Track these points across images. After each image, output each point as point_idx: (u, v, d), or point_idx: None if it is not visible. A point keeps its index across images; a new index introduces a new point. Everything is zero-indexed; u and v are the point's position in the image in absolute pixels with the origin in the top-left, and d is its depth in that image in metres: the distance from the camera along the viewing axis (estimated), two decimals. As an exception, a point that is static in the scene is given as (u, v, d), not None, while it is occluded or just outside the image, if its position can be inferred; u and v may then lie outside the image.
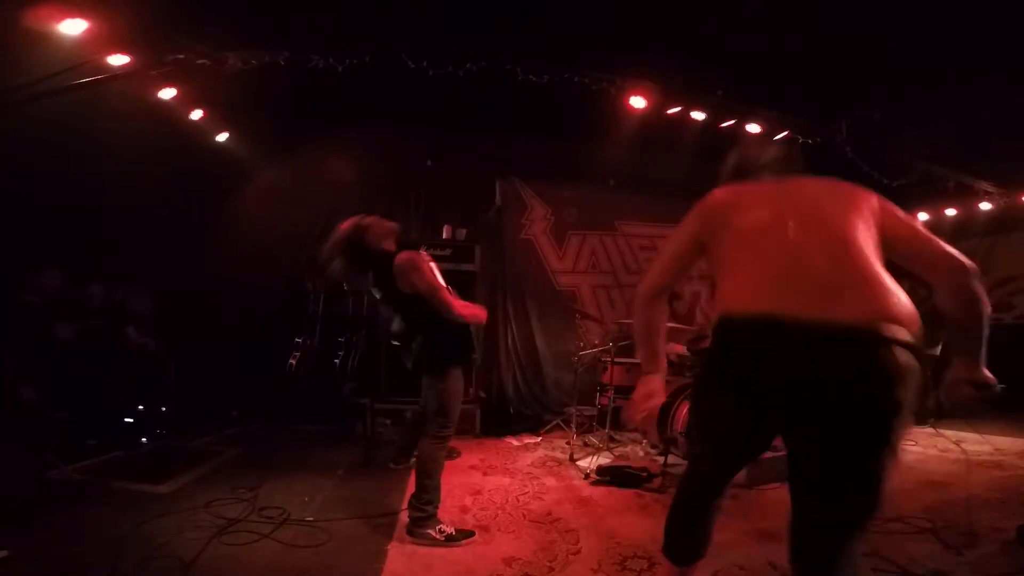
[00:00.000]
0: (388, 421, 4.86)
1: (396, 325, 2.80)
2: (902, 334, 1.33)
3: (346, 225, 2.78)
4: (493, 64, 4.18)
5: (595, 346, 4.80)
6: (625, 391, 4.53)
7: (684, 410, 3.78)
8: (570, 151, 5.78)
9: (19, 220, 4.01)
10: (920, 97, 4.47)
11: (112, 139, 4.07)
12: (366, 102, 4.78)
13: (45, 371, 3.90)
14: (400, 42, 4.08)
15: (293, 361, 4.91)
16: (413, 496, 2.74)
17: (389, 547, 2.65)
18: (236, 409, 5.07)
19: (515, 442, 4.71)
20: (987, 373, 1.46)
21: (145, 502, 3.04)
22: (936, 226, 6.65)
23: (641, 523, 2.98)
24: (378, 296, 2.82)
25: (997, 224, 6.59)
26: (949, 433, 4.91)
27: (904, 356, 1.31)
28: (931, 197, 6.29)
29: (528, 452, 4.43)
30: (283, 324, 5.09)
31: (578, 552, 2.61)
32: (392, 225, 2.84)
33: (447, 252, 5.01)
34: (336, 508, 3.10)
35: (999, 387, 1.47)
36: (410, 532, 2.70)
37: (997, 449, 4.32)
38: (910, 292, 1.43)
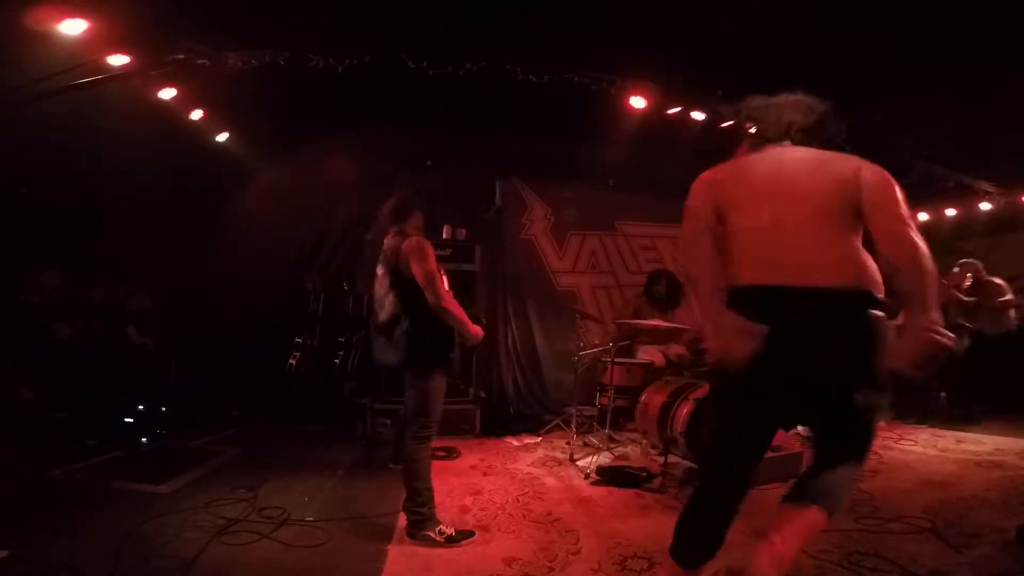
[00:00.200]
0: (388, 421, 4.86)
1: (384, 314, 2.78)
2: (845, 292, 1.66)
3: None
4: (493, 64, 4.17)
5: (595, 346, 4.80)
6: (625, 391, 4.54)
7: (684, 410, 3.78)
8: (570, 151, 5.78)
9: (19, 220, 4.01)
10: (920, 97, 4.47)
11: (112, 139, 4.07)
12: (366, 102, 4.77)
13: (45, 371, 3.90)
14: (400, 42, 4.07)
15: (293, 361, 4.91)
16: (406, 499, 2.74)
17: (389, 547, 2.66)
18: (236, 409, 5.07)
19: (515, 442, 4.71)
20: (938, 319, 1.57)
21: (145, 502, 3.05)
22: (936, 226, 6.66)
23: (641, 523, 2.98)
24: (379, 273, 2.83)
25: (997, 224, 6.60)
26: (949, 433, 4.92)
27: (845, 306, 1.64)
28: (931, 197, 6.29)
29: (528, 452, 4.43)
30: (283, 324, 5.10)
31: (578, 552, 2.61)
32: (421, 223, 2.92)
33: (447, 252, 5.01)
34: (336, 508, 3.11)
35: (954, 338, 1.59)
36: (410, 535, 2.70)
37: (997, 449, 4.32)
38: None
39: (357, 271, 5.47)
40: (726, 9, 3.57)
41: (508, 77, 4.21)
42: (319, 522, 2.89)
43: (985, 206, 6.44)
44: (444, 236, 5.27)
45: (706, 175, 2.02)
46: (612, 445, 4.41)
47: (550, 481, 3.69)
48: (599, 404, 4.56)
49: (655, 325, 4.71)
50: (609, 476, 3.64)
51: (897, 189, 1.70)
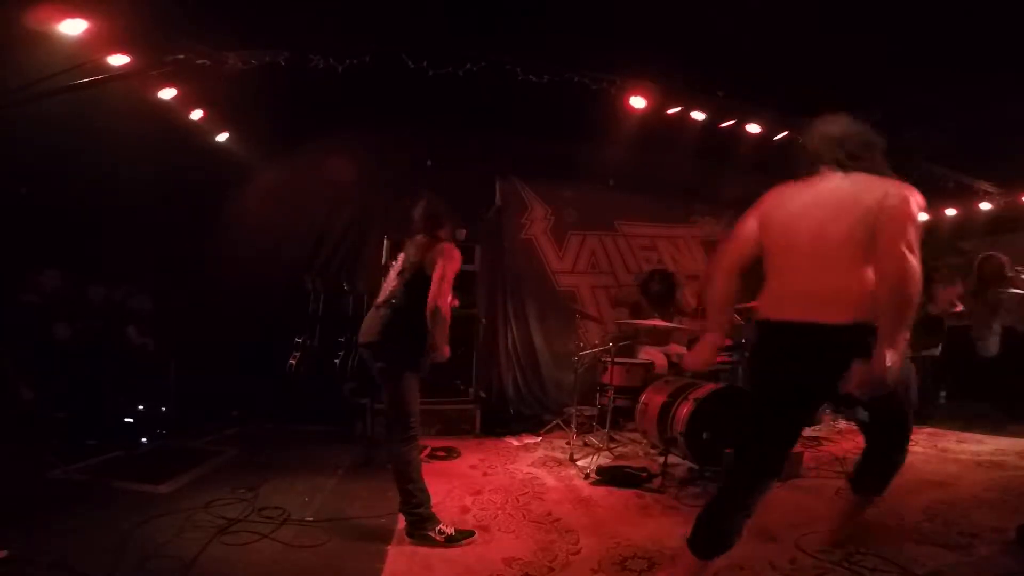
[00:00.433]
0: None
1: (383, 295, 2.88)
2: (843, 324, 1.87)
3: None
4: (493, 64, 4.18)
5: (595, 346, 4.80)
6: (625, 391, 4.54)
7: (684, 410, 3.78)
8: (570, 151, 5.78)
9: (19, 220, 4.01)
10: (920, 97, 4.47)
11: (112, 139, 4.07)
12: (366, 102, 4.77)
13: (45, 371, 3.90)
14: (400, 42, 4.07)
15: (293, 361, 4.91)
16: (401, 502, 2.74)
17: (389, 547, 2.66)
18: (236, 409, 5.07)
19: (515, 442, 4.71)
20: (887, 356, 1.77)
21: (145, 502, 3.05)
22: (936, 226, 6.66)
23: (641, 523, 2.98)
24: (395, 263, 2.92)
25: (997, 224, 6.60)
26: (949, 433, 4.92)
27: (849, 337, 1.85)
28: (931, 197, 6.26)
29: (528, 452, 4.43)
30: (283, 324, 5.10)
31: (578, 552, 2.61)
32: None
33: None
34: (336, 508, 3.11)
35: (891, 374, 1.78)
36: (409, 535, 2.70)
37: (997, 449, 4.32)
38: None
39: (357, 271, 5.48)
40: (726, 9, 3.57)
41: (508, 77, 4.21)
42: (319, 522, 2.89)
43: (985, 206, 6.44)
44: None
45: (762, 200, 2.23)
46: (612, 445, 4.41)
47: (550, 481, 3.69)
48: (599, 404, 4.56)
49: (655, 325, 4.71)
50: (609, 476, 3.64)
51: (910, 221, 1.83)
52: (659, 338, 5.22)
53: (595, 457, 3.99)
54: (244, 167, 5.27)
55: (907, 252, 1.78)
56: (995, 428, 4.73)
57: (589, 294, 6.32)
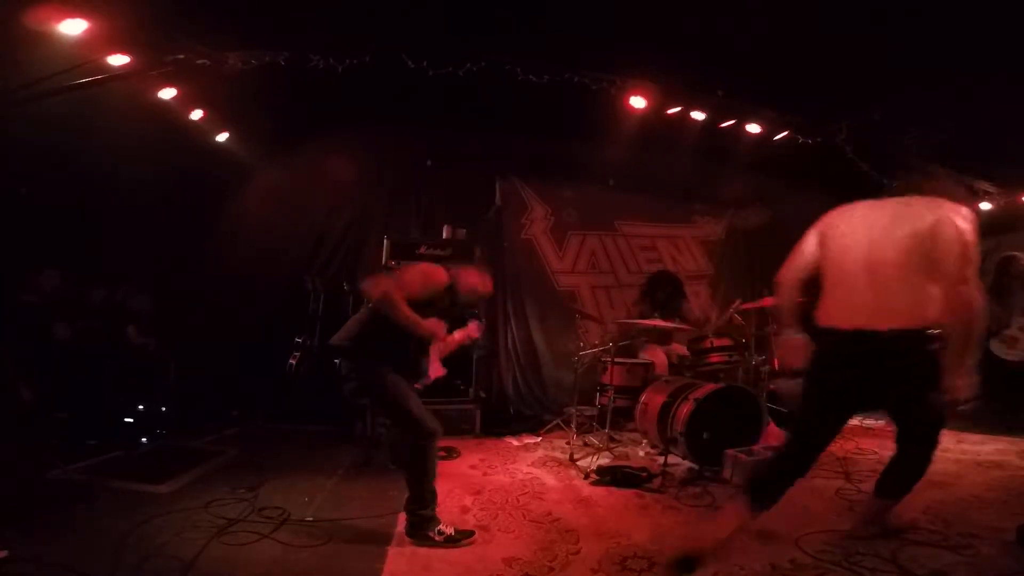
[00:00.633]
0: (388, 421, 4.86)
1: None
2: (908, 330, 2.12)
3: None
4: (493, 64, 4.18)
5: (595, 346, 4.80)
6: (625, 391, 4.54)
7: (684, 410, 3.78)
8: (570, 151, 5.78)
9: (19, 220, 4.01)
10: (920, 97, 4.47)
11: (112, 139, 4.07)
12: (366, 102, 4.77)
13: (45, 371, 3.90)
14: (400, 42, 4.08)
15: (293, 361, 4.90)
16: (409, 501, 2.73)
17: (389, 547, 2.66)
18: (236, 409, 5.06)
19: (515, 442, 4.71)
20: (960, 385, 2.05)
21: (145, 502, 3.05)
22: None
23: (641, 523, 2.98)
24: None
25: (997, 224, 6.59)
26: (949, 433, 4.92)
27: (907, 344, 2.11)
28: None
29: (528, 452, 4.43)
30: (283, 324, 5.09)
31: (578, 552, 2.61)
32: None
33: (447, 252, 5.00)
34: (336, 508, 3.11)
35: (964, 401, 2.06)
36: (409, 535, 2.70)
37: (997, 449, 4.32)
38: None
39: (357, 271, 5.47)
40: (726, 9, 3.57)
41: (508, 77, 4.21)
42: (319, 522, 2.90)
43: (985, 206, 6.43)
44: (444, 236, 5.27)
45: (823, 217, 2.54)
46: (612, 445, 4.41)
47: (550, 481, 3.69)
48: (599, 404, 4.56)
49: (655, 324, 4.71)
50: (609, 476, 3.63)
51: (966, 247, 2.07)
52: (660, 338, 5.22)
53: (595, 457, 3.99)
54: (244, 167, 5.27)
55: (968, 282, 2.04)
56: (995, 428, 4.73)
57: (589, 294, 6.32)
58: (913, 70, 4.08)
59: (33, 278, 4.21)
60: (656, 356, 4.98)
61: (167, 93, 4.11)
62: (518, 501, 3.30)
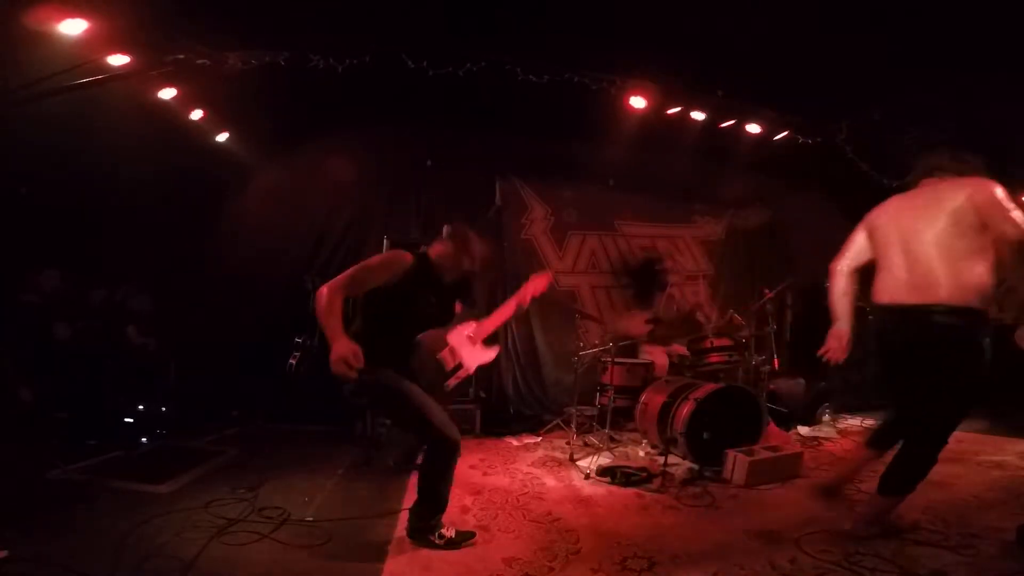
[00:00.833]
0: (388, 421, 4.86)
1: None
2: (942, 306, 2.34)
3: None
4: (493, 64, 4.18)
5: (595, 346, 4.80)
6: (625, 391, 4.54)
7: (684, 410, 3.78)
8: (570, 151, 5.78)
9: (19, 220, 4.01)
10: (920, 97, 4.47)
11: (112, 139, 4.06)
12: (366, 102, 4.77)
13: (45, 371, 3.90)
14: (400, 42, 4.08)
15: (293, 361, 4.90)
16: (415, 503, 2.70)
17: (389, 547, 2.66)
18: (236, 409, 5.06)
19: (515, 442, 4.70)
20: None
21: (145, 502, 3.05)
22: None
23: (641, 523, 2.98)
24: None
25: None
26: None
27: (943, 319, 2.33)
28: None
29: (528, 452, 4.42)
30: (283, 324, 5.09)
31: (578, 552, 2.61)
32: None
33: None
34: (336, 508, 3.11)
35: None
36: (409, 536, 2.70)
37: (997, 449, 4.32)
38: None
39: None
40: (726, 9, 3.57)
41: (508, 77, 4.21)
42: (319, 522, 2.89)
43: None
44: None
45: (870, 211, 2.75)
46: (612, 445, 4.41)
47: (550, 481, 3.69)
48: (599, 404, 4.56)
49: (636, 334, 4.70)
50: (609, 476, 3.64)
51: (1003, 201, 2.30)
52: (660, 338, 5.22)
53: (595, 457, 3.99)
54: (244, 167, 5.27)
55: (1018, 221, 2.25)
56: (995, 428, 4.73)
57: (589, 294, 6.32)
58: (913, 70, 4.09)
59: (33, 278, 4.21)
60: (656, 356, 4.98)
61: (167, 93, 4.11)
62: (518, 501, 3.30)
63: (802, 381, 5.30)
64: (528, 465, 4.05)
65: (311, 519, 2.93)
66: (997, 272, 2.36)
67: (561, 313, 5.80)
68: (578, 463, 4.02)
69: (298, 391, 4.86)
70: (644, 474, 3.62)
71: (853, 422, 5.38)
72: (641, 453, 4.32)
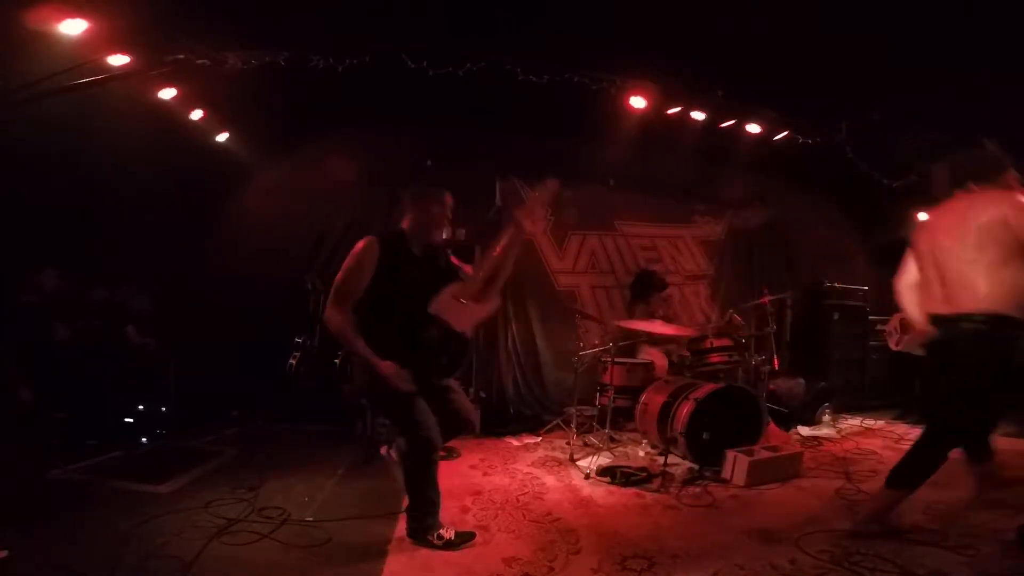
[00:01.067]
0: (388, 421, 4.86)
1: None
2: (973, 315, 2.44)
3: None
4: (493, 64, 4.18)
5: (595, 346, 4.80)
6: (625, 391, 4.53)
7: (684, 410, 3.78)
8: (570, 151, 5.76)
9: (19, 220, 4.01)
10: (920, 97, 4.47)
11: (112, 139, 4.06)
12: (366, 102, 4.77)
13: (45, 371, 3.90)
14: (400, 42, 4.07)
15: (293, 361, 4.90)
16: (408, 504, 2.71)
17: (389, 547, 2.66)
18: (236, 409, 5.07)
19: (515, 442, 4.71)
20: None
21: (145, 502, 3.05)
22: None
23: (641, 523, 2.98)
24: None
25: None
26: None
27: (970, 325, 2.43)
28: (931, 197, 6.28)
29: (528, 452, 4.42)
30: (283, 324, 5.09)
31: (578, 552, 2.61)
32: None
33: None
34: (336, 508, 3.11)
35: None
36: (409, 536, 2.70)
37: (997, 449, 4.31)
38: None
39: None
40: (726, 9, 3.57)
41: (508, 77, 4.21)
42: (319, 522, 2.89)
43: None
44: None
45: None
46: (612, 445, 4.41)
47: (550, 481, 3.69)
48: (599, 404, 4.55)
49: (648, 331, 4.70)
50: (609, 476, 3.64)
51: None
52: (660, 338, 5.22)
53: (595, 457, 3.99)
54: (244, 167, 5.27)
55: None
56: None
57: (589, 294, 6.32)
58: (913, 70, 4.08)
59: (33, 278, 4.21)
60: (656, 356, 4.98)
61: (167, 93, 4.11)
62: (518, 501, 3.30)
63: (802, 381, 5.30)
64: (528, 465, 4.05)
65: (311, 519, 2.93)
66: None
67: (561, 313, 5.81)
68: (578, 463, 4.02)
69: (298, 391, 4.86)
70: (644, 474, 3.62)
71: (853, 422, 5.38)
72: (641, 453, 4.32)
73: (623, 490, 3.48)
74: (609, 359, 4.48)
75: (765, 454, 3.72)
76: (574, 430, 4.45)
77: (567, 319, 5.52)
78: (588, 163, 5.84)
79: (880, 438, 4.79)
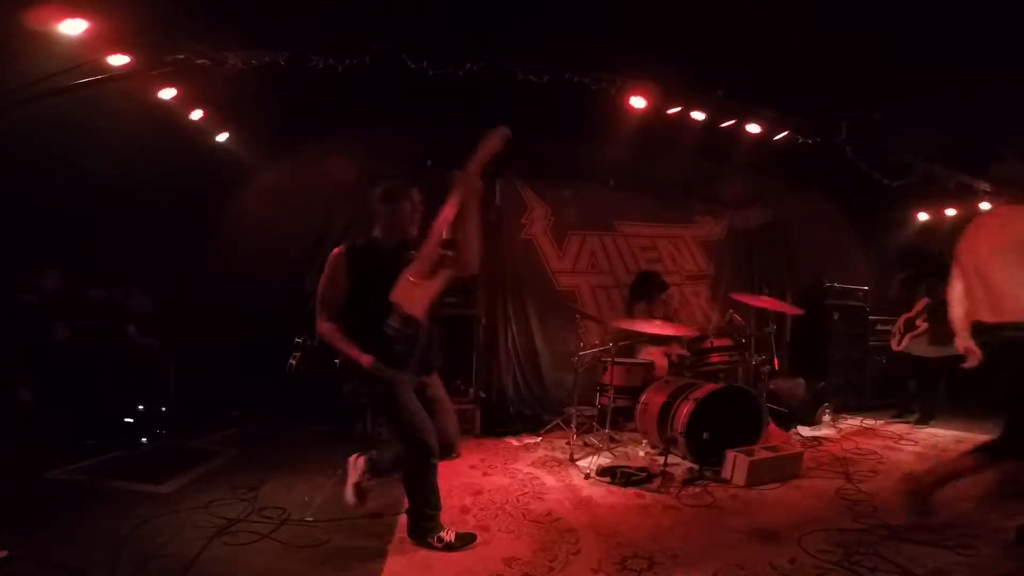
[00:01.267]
0: (385, 424, 4.86)
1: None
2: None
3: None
4: (493, 64, 4.17)
5: (595, 346, 4.80)
6: (625, 391, 4.53)
7: (684, 410, 3.78)
8: (570, 151, 5.77)
9: (19, 220, 4.01)
10: (920, 97, 4.47)
11: (112, 139, 4.06)
12: (366, 102, 4.76)
13: (45, 371, 3.90)
14: (400, 42, 4.07)
15: (293, 361, 4.90)
16: (407, 508, 2.71)
17: (389, 547, 2.66)
18: (236, 409, 5.07)
19: (515, 442, 4.71)
20: None
21: (145, 502, 3.05)
22: (936, 226, 6.66)
23: (641, 523, 2.98)
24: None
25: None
26: (948, 433, 4.92)
27: (1013, 334, 2.54)
28: (931, 197, 6.29)
29: (528, 452, 4.43)
30: (283, 324, 5.09)
31: (578, 552, 2.61)
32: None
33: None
34: (336, 508, 3.10)
35: None
36: (410, 536, 2.70)
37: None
38: None
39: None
40: (726, 9, 3.57)
41: (508, 77, 4.20)
42: (319, 522, 2.90)
43: (985, 206, 6.43)
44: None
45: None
46: (612, 445, 4.41)
47: (550, 481, 3.69)
48: (599, 404, 4.56)
49: (649, 331, 4.70)
50: (609, 476, 3.64)
51: None
52: (660, 338, 5.22)
53: (595, 457, 3.99)
54: (244, 167, 5.26)
55: None
56: (995, 429, 4.72)
57: (589, 294, 6.32)
58: (913, 70, 4.08)
59: (33, 278, 4.21)
60: (656, 356, 4.98)
61: (167, 93, 4.10)
62: (518, 501, 3.30)
63: (802, 381, 5.30)
64: (528, 465, 4.05)
65: (311, 519, 2.93)
66: None
67: (561, 313, 5.81)
68: (578, 463, 4.02)
69: (298, 391, 4.86)
70: (644, 474, 3.62)
71: (853, 422, 5.39)
72: (641, 453, 4.32)
73: (623, 490, 3.48)
74: (609, 359, 4.48)
75: (765, 454, 3.72)
76: (574, 430, 4.46)
77: (567, 319, 5.51)
78: (588, 163, 5.85)
79: (880, 438, 4.79)
